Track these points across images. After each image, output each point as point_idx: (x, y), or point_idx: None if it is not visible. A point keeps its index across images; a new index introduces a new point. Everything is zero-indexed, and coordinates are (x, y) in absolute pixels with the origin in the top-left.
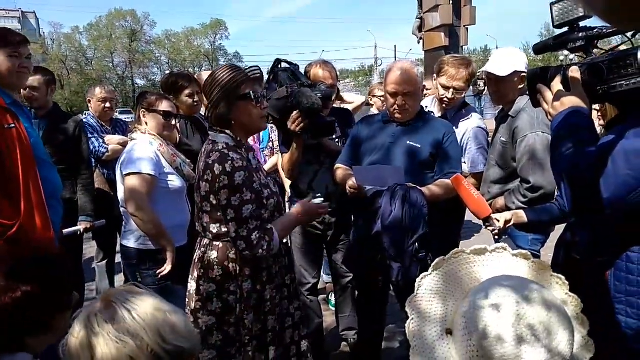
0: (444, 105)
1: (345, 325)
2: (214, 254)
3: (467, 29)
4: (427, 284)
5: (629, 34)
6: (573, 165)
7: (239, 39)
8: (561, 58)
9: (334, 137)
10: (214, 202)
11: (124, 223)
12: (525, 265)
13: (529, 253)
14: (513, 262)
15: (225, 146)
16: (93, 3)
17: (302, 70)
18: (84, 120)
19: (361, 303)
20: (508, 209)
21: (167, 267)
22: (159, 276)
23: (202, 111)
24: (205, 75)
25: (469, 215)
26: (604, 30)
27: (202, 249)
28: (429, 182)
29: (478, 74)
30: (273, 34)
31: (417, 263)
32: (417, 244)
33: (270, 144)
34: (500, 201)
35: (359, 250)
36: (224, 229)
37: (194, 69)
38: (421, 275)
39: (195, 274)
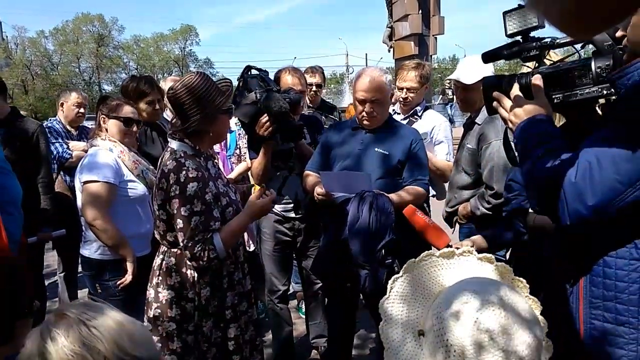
0: (402, 106)
1: (316, 332)
2: (172, 261)
3: (436, 38)
4: (398, 287)
5: (577, 46)
6: (555, 173)
7: (210, 45)
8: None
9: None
10: (169, 210)
11: (83, 232)
12: (489, 268)
13: (493, 257)
14: (478, 266)
15: (182, 155)
16: (59, 7)
17: (272, 77)
18: (49, 125)
19: (331, 310)
20: (473, 214)
21: (127, 278)
22: (120, 287)
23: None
24: (169, 82)
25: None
26: (557, 41)
27: (161, 256)
28: (398, 188)
29: (447, 83)
30: (244, 40)
31: (385, 269)
32: (384, 250)
33: (238, 150)
34: (467, 207)
35: (328, 256)
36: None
37: (164, 74)
38: (393, 278)
39: (154, 281)
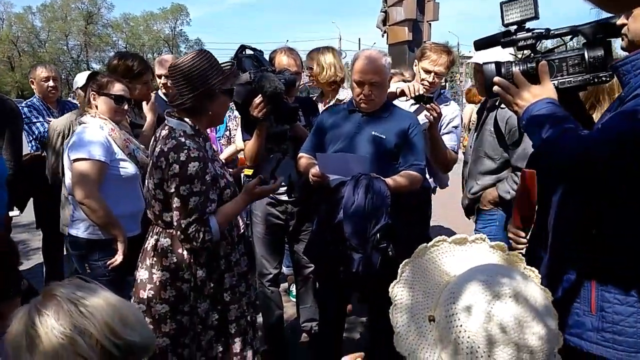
0: (423, 90)
1: (306, 316)
2: (167, 242)
3: (430, 24)
4: (408, 272)
5: (566, 38)
6: (585, 149)
7: (201, 25)
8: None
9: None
10: (166, 189)
11: (71, 211)
12: (500, 256)
13: (505, 245)
14: (489, 253)
15: (182, 134)
16: None
17: (266, 57)
18: (30, 103)
19: (322, 294)
20: (501, 199)
21: (118, 258)
22: (110, 267)
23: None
24: (169, 58)
25: (440, 220)
26: (551, 31)
27: (155, 237)
28: (393, 173)
29: None
30: (236, 21)
31: (379, 253)
32: (379, 235)
33: (227, 132)
34: (493, 192)
35: (320, 240)
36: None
37: (153, 54)
38: (404, 262)
39: (148, 262)
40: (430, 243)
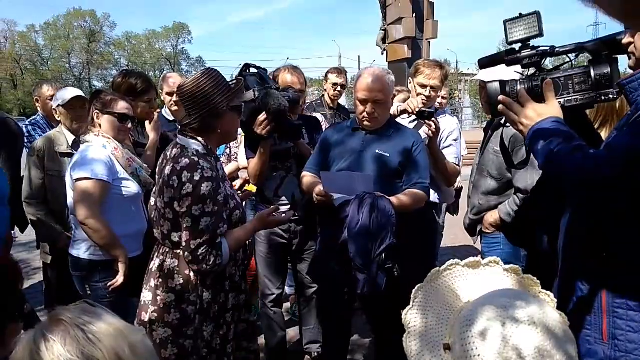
0: (421, 105)
1: (309, 338)
2: (174, 263)
3: (429, 42)
4: (421, 297)
5: (571, 55)
6: (592, 168)
7: (202, 44)
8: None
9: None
10: (177, 209)
11: (73, 231)
12: (514, 280)
13: (520, 268)
14: (503, 277)
15: (195, 153)
16: (51, 1)
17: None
18: (34, 121)
19: (325, 315)
20: (503, 222)
21: (119, 279)
22: (110, 289)
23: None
24: (173, 77)
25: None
26: (556, 49)
27: (161, 257)
28: (397, 191)
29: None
30: (237, 39)
31: (384, 274)
32: (384, 255)
33: (228, 150)
34: (495, 214)
35: (325, 260)
36: None
37: (155, 72)
38: (417, 287)
39: (152, 283)
40: (443, 267)
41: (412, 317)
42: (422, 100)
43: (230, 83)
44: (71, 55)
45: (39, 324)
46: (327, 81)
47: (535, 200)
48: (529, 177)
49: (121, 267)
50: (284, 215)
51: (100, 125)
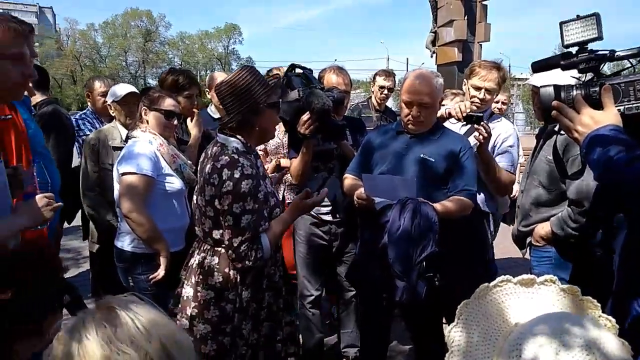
0: (474, 107)
1: (347, 341)
2: (215, 260)
3: (480, 45)
4: (467, 314)
5: (633, 60)
6: None
7: (252, 44)
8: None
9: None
10: (218, 206)
11: (118, 224)
12: (571, 301)
13: (578, 289)
14: (559, 297)
15: (235, 151)
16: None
17: (316, 76)
18: (83, 115)
19: (364, 320)
20: (555, 235)
21: (160, 273)
22: (152, 282)
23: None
24: (219, 75)
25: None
26: (616, 53)
27: (202, 254)
28: (442, 198)
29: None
30: (286, 40)
31: (424, 283)
32: (424, 263)
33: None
34: (546, 227)
35: (364, 264)
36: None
37: (206, 71)
38: (463, 302)
39: (193, 280)
40: (493, 283)
41: (456, 334)
42: (476, 103)
43: (268, 80)
44: (127, 53)
45: (88, 310)
46: (374, 83)
47: (591, 213)
48: (584, 189)
49: (163, 261)
50: (317, 195)
51: (147, 122)
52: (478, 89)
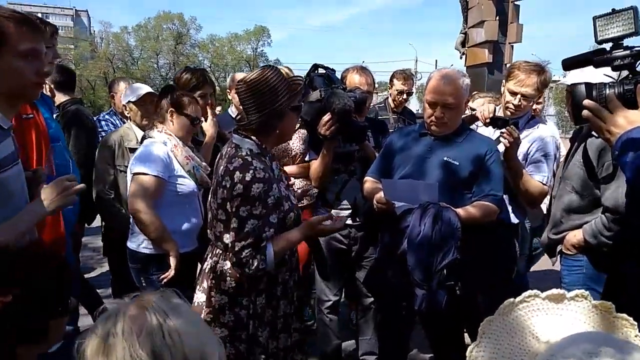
0: (508, 113)
1: (365, 349)
2: (227, 265)
3: (512, 46)
4: (491, 332)
5: None
6: None
7: (281, 47)
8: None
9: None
10: (229, 209)
11: (130, 224)
12: (604, 319)
13: (612, 305)
14: (591, 314)
15: (249, 152)
16: (143, 5)
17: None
18: (107, 116)
19: (383, 327)
20: (587, 244)
21: (170, 272)
22: (163, 282)
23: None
24: (240, 76)
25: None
26: None
27: (214, 259)
28: (465, 203)
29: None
30: (314, 42)
31: (444, 291)
32: (445, 270)
33: None
34: (578, 235)
35: (383, 270)
36: None
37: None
38: (486, 319)
39: (205, 285)
40: (519, 298)
41: (478, 354)
42: (510, 109)
43: (291, 81)
44: (159, 55)
45: (125, 307)
46: (391, 86)
47: (626, 221)
48: (620, 195)
49: (172, 261)
50: (337, 221)
51: (172, 123)
52: (514, 94)
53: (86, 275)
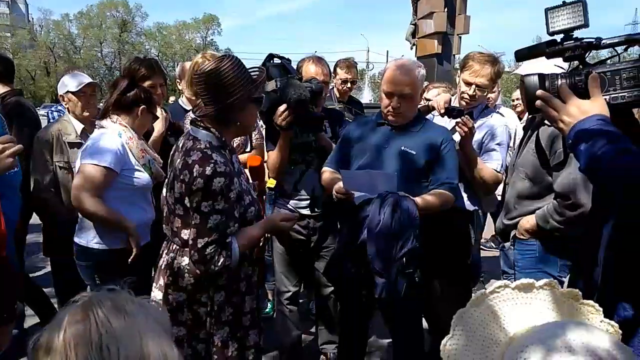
0: (463, 103)
1: (325, 338)
2: (184, 261)
3: (460, 37)
4: (464, 323)
5: (619, 48)
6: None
7: (232, 36)
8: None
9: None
10: (187, 204)
11: (80, 218)
12: (571, 306)
13: (579, 293)
14: (559, 303)
15: (208, 145)
16: None
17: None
18: (58, 107)
19: (343, 316)
20: (540, 229)
21: (134, 251)
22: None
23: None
24: (186, 65)
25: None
26: (602, 41)
27: (171, 255)
28: (423, 191)
29: None
30: (266, 33)
31: (404, 279)
32: (405, 259)
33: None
34: (531, 220)
35: (341, 260)
36: None
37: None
38: (458, 312)
39: (162, 282)
40: (490, 289)
41: (452, 347)
42: (465, 99)
43: (251, 72)
44: (103, 44)
45: (70, 306)
46: (335, 75)
47: (576, 206)
48: (571, 181)
49: (132, 240)
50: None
51: (137, 117)
52: (469, 84)
53: (31, 275)
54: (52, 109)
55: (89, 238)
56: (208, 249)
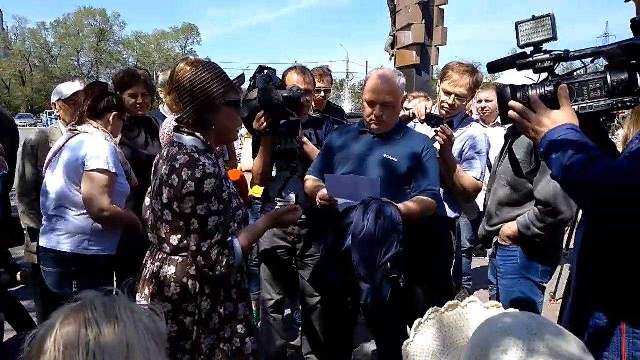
0: (443, 112)
1: (310, 348)
2: (171, 270)
3: (438, 48)
4: (425, 329)
5: (586, 60)
6: (614, 178)
7: (211, 46)
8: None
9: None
10: (177, 210)
11: (54, 224)
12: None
13: (501, 304)
14: (487, 314)
15: (194, 149)
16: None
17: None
18: (55, 116)
19: (328, 325)
20: (522, 235)
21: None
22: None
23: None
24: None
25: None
26: (570, 53)
27: (157, 264)
28: (405, 198)
29: None
30: (245, 43)
31: (389, 285)
32: (389, 264)
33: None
34: (513, 227)
35: (328, 268)
36: (186, 242)
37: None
38: (417, 322)
39: (147, 292)
40: (425, 317)
41: (410, 350)
42: (445, 108)
43: (234, 80)
44: (80, 53)
45: (69, 308)
46: None
47: (557, 213)
48: (551, 189)
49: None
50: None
51: (109, 123)
52: (448, 94)
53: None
54: (52, 116)
55: (68, 243)
56: (213, 251)
